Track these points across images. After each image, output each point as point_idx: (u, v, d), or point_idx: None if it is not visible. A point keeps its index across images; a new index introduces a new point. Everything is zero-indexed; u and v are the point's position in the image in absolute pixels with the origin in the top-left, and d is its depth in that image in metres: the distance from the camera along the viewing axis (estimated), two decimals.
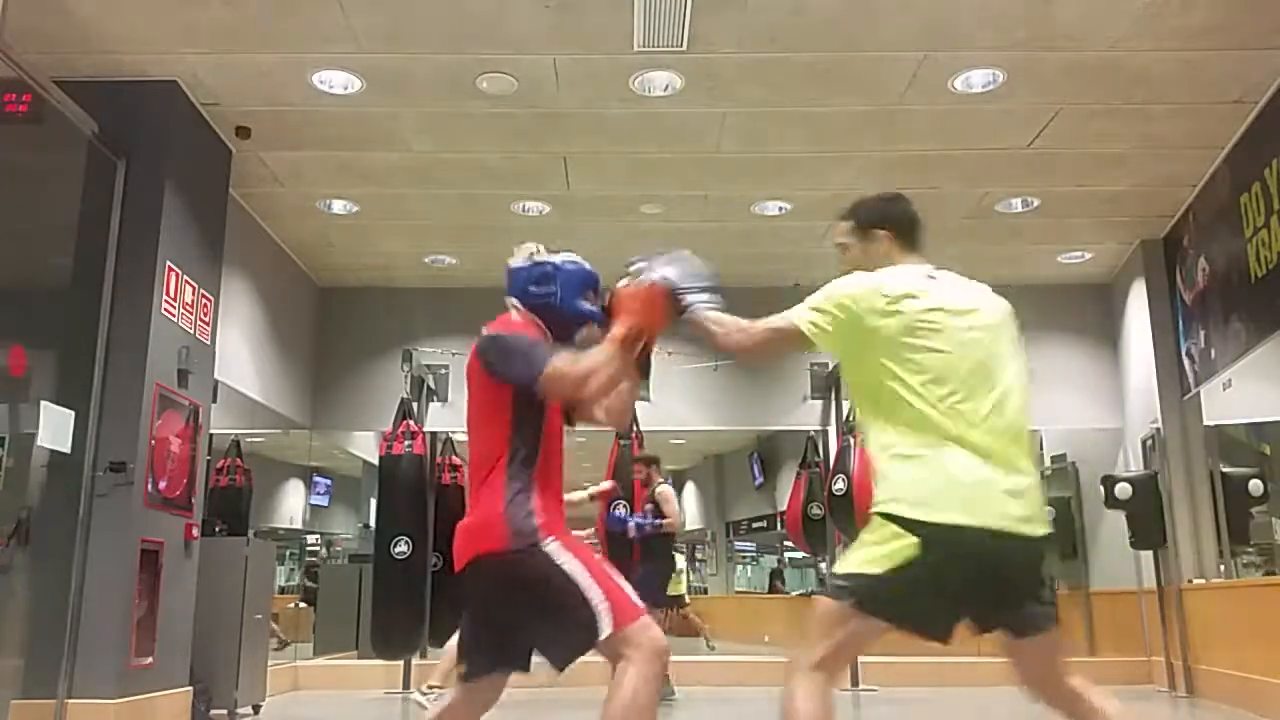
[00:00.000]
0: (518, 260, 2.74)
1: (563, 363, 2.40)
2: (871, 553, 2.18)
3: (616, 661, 2.30)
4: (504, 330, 2.58)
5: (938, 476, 2.17)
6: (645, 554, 6.56)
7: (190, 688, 5.38)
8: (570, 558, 2.36)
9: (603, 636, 2.28)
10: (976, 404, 2.23)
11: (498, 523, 2.39)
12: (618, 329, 2.47)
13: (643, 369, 2.68)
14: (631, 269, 2.62)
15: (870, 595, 2.16)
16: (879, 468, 2.28)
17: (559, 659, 2.37)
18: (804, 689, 2.16)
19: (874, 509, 2.23)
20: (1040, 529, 2.23)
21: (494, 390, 2.48)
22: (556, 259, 2.70)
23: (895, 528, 2.16)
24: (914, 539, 2.13)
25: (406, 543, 6.82)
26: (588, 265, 2.73)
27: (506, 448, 2.45)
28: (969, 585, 2.17)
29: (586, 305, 2.67)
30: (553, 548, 2.37)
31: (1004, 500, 2.17)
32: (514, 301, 2.70)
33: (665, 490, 6.74)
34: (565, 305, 2.65)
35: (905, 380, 2.25)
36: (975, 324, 2.33)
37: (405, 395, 7.47)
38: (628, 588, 2.37)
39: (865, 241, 2.60)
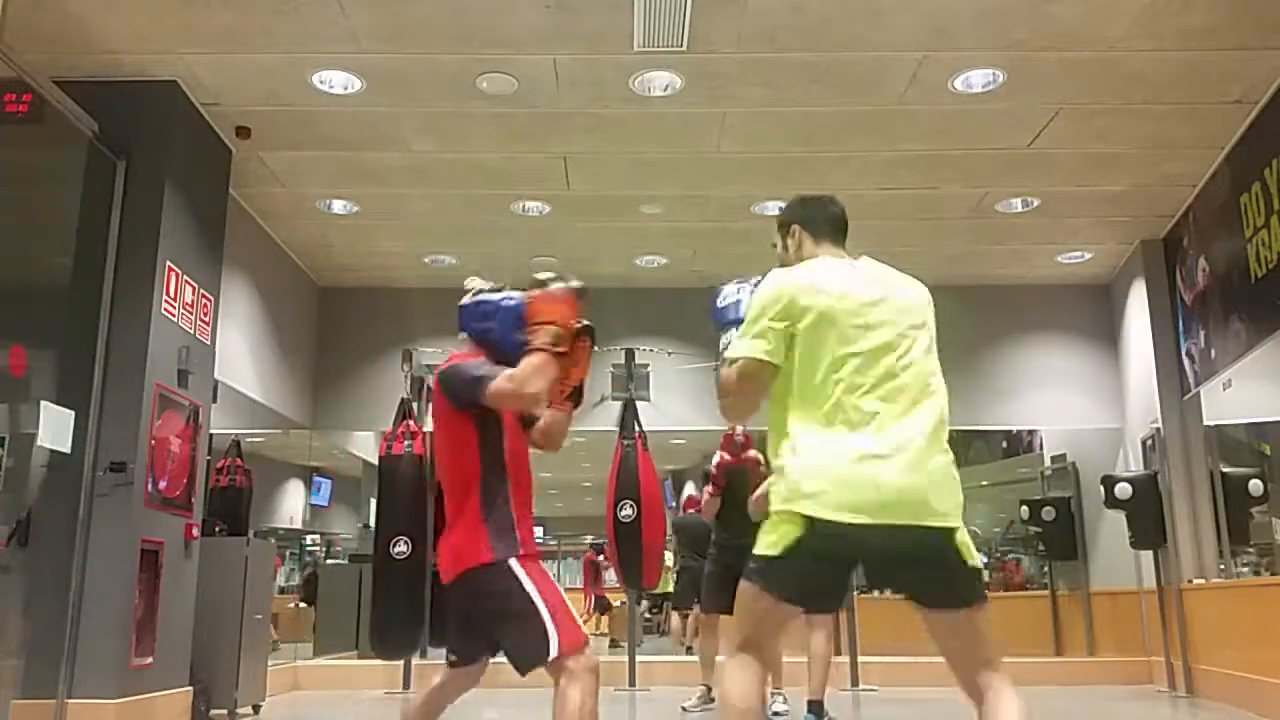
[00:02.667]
0: (465, 299, 3.02)
1: (505, 376, 2.71)
2: None
3: (558, 678, 2.61)
4: (457, 360, 2.88)
5: None
6: None
7: (190, 688, 5.38)
8: (527, 578, 2.68)
9: (550, 659, 2.61)
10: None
11: (481, 538, 2.71)
12: (541, 338, 2.76)
13: (574, 398, 3.02)
14: (540, 276, 2.91)
15: None
16: None
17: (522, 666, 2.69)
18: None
19: None
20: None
21: (459, 419, 2.79)
22: (497, 297, 2.96)
23: None
24: None
25: (406, 543, 6.82)
26: (522, 300, 2.95)
27: (479, 467, 2.77)
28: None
29: (522, 337, 2.88)
30: (516, 566, 2.70)
31: None
32: (463, 335, 3.02)
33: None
34: (503, 339, 2.90)
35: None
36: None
37: (405, 395, 7.47)
38: (575, 614, 2.66)
39: (784, 238, 2.65)
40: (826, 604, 2.94)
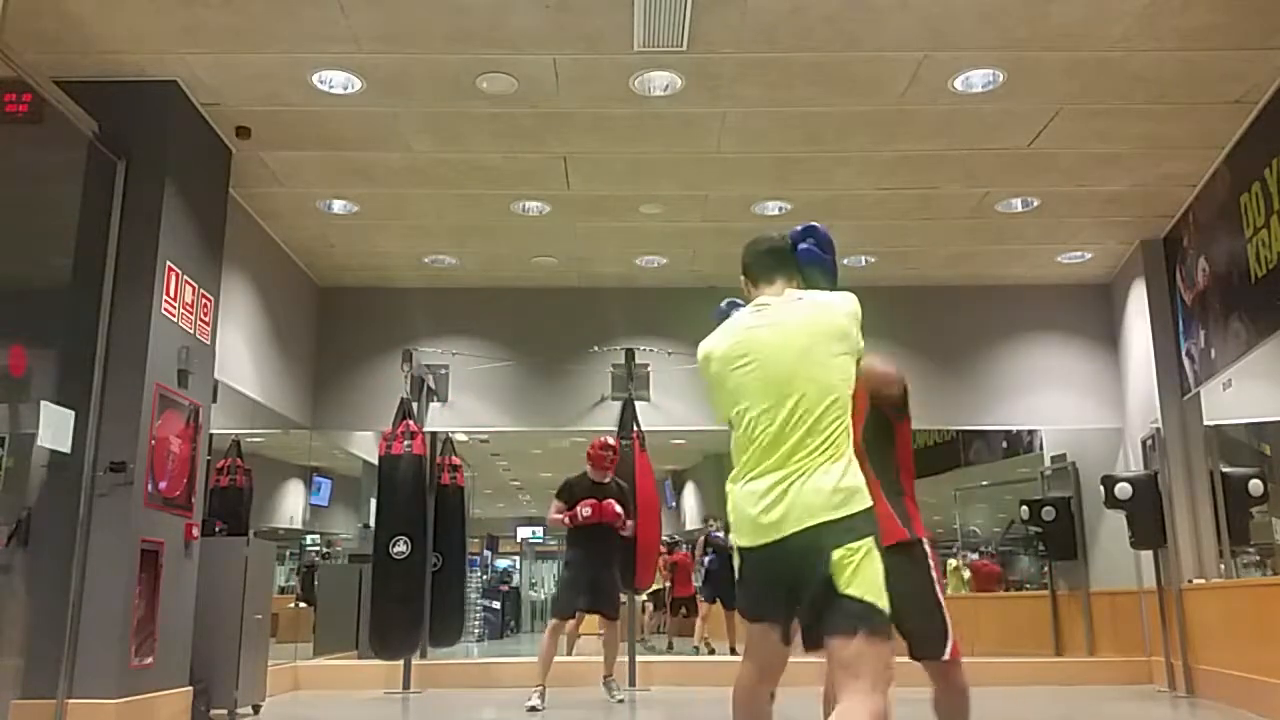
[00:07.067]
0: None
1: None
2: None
3: None
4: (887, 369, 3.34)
5: None
6: None
7: (190, 688, 5.38)
8: None
9: None
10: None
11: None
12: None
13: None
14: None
15: None
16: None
17: None
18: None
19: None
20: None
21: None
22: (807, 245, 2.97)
23: None
24: None
25: (405, 543, 6.82)
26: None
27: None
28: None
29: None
30: None
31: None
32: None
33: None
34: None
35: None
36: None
37: (405, 395, 7.47)
38: None
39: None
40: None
